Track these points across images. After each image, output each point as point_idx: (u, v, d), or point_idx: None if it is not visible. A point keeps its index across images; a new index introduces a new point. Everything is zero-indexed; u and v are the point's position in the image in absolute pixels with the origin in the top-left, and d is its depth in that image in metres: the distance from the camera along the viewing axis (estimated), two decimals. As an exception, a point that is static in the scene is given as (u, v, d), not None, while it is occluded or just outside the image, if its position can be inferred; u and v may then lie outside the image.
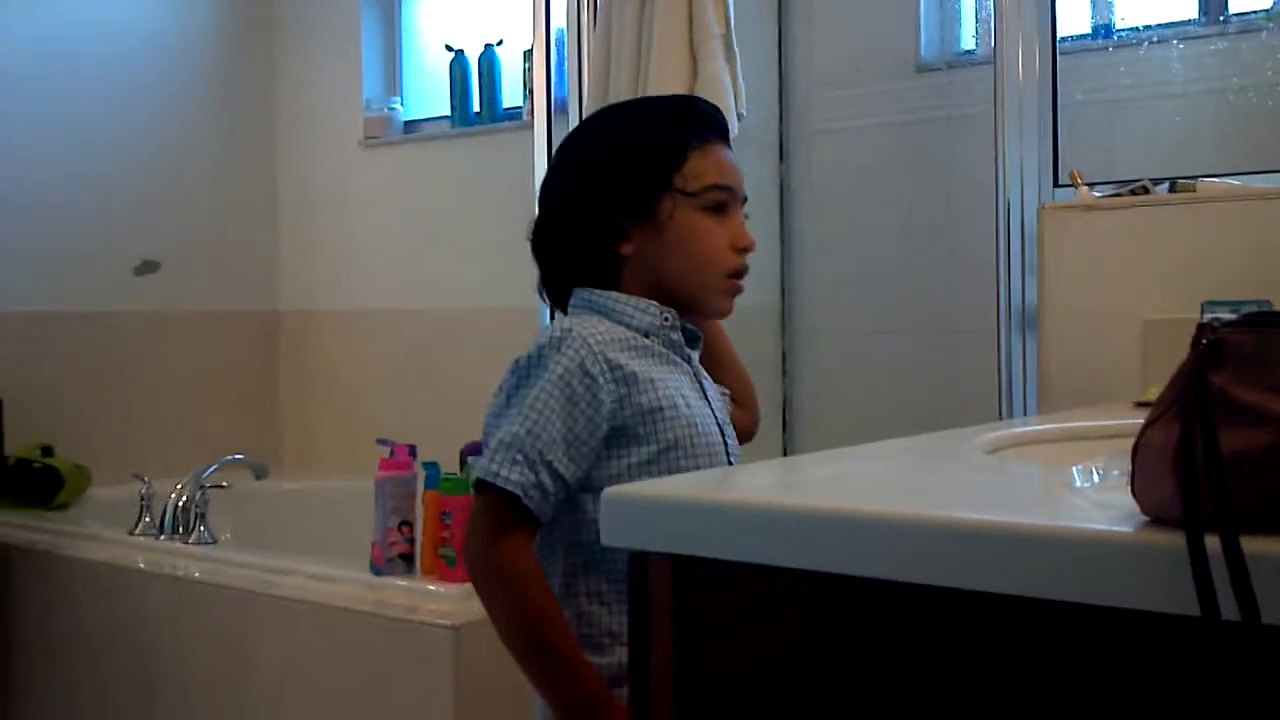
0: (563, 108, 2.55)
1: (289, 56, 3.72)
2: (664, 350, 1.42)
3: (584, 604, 1.36)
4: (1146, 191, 1.85)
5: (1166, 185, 1.87)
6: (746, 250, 1.46)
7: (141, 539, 2.70)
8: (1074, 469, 0.84)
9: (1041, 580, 0.71)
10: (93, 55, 3.34)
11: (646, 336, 1.41)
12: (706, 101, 1.56)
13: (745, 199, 1.49)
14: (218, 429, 3.45)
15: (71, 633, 2.64)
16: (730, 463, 1.43)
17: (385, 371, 3.44)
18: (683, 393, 1.39)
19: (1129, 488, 0.73)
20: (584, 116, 2.67)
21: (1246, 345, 0.69)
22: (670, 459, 1.34)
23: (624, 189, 1.42)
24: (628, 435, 1.34)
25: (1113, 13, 2.44)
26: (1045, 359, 1.87)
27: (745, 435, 1.58)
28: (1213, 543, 0.64)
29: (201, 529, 2.69)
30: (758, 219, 2.80)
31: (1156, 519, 0.70)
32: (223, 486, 2.79)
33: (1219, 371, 0.69)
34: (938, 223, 2.61)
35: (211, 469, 2.81)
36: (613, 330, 1.39)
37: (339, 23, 3.60)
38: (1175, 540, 0.65)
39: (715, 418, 1.43)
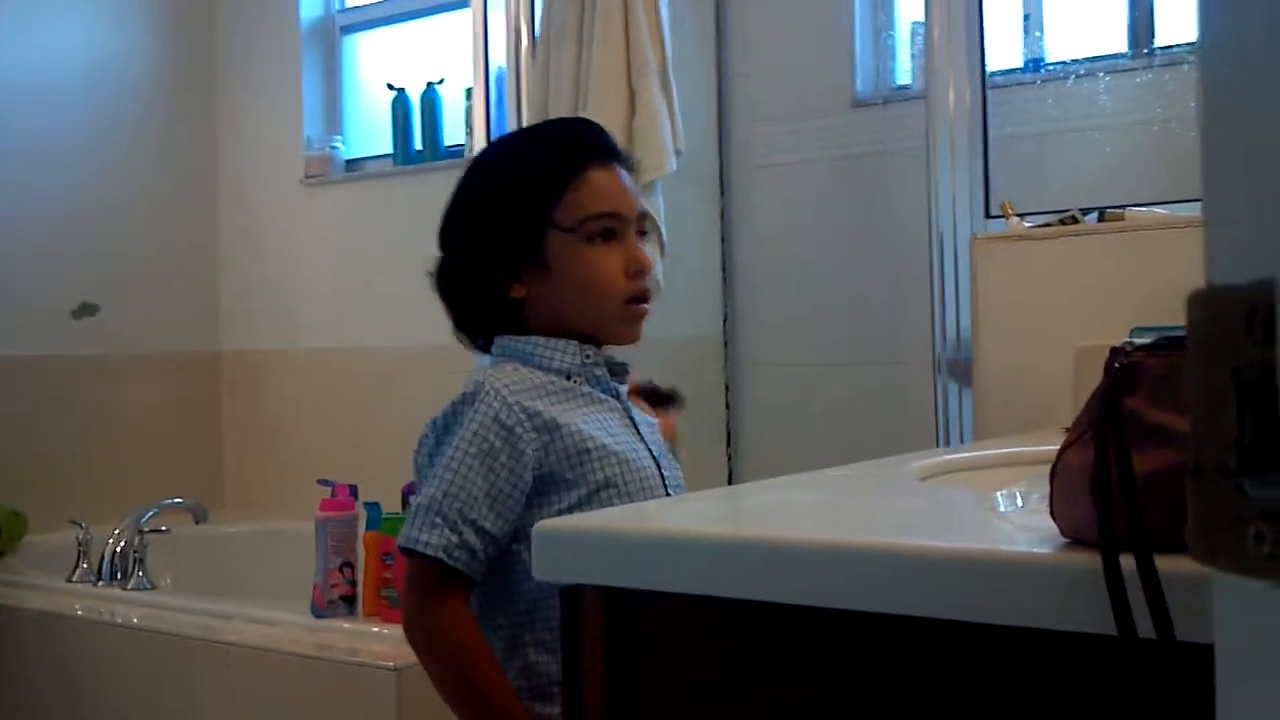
0: (502, 145, 2.56)
1: (229, 95, 3.70)
2: (588, 390, 1.40)
3: (531, 655, 1.35)
4: (1076, 221, 1.89)
5: (1095, 215, 1.90)
6: (641, 272, 1.41)
7: (79, 586, 2.65)
8: (998, 494, 0.85)
9: (965, 603, 0.72)
10: (28, 94, 3.30)
11: (569, 378, 1.39)
12: (584, 121, 1.53)
13: (642, 215, 1.45)
14: (158, 471, 3.41)
15: (10, 682, 2.59)
16: (668, 494, 1.41)
17: (327, 411, 3.42)
18: (610, 430, 1.38)
19: (1049, 510, 0.74)
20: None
21: (1158, 368, 0.70)
22: (602, 499, 1.33)
23: (505, 234, 1.40)
24: (556, 481, 1.33)
25: (1043, 47, 2.49)
26: (980, 387, 1.89)
27: None
28: (1128, 562, 0.65)
29: (140, 574, 2.65)
30: (699, 254, 2.84)
31: (1076, 540, 0.72)
32: (161, 531, 2.75)
33: (1133, 393, 0.70)
34: (876, 255, 2.64)
35: (150, 513, 2.77)
36: (530, 377, 1.37)
37: (280, 61, 3.59)
38: (1093, 561, 0.66)
39: (650, 450, 1.42)
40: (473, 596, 1.35)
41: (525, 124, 2.66)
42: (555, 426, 1.33)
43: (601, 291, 1.39)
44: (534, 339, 1.41)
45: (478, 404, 1.33)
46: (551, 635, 1.33)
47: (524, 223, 1.39)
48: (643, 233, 1.44)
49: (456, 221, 1.46)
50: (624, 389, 1.47)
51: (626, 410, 1.44)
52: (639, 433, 1.43)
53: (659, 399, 1.57)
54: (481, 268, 1.41)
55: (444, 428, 1.35)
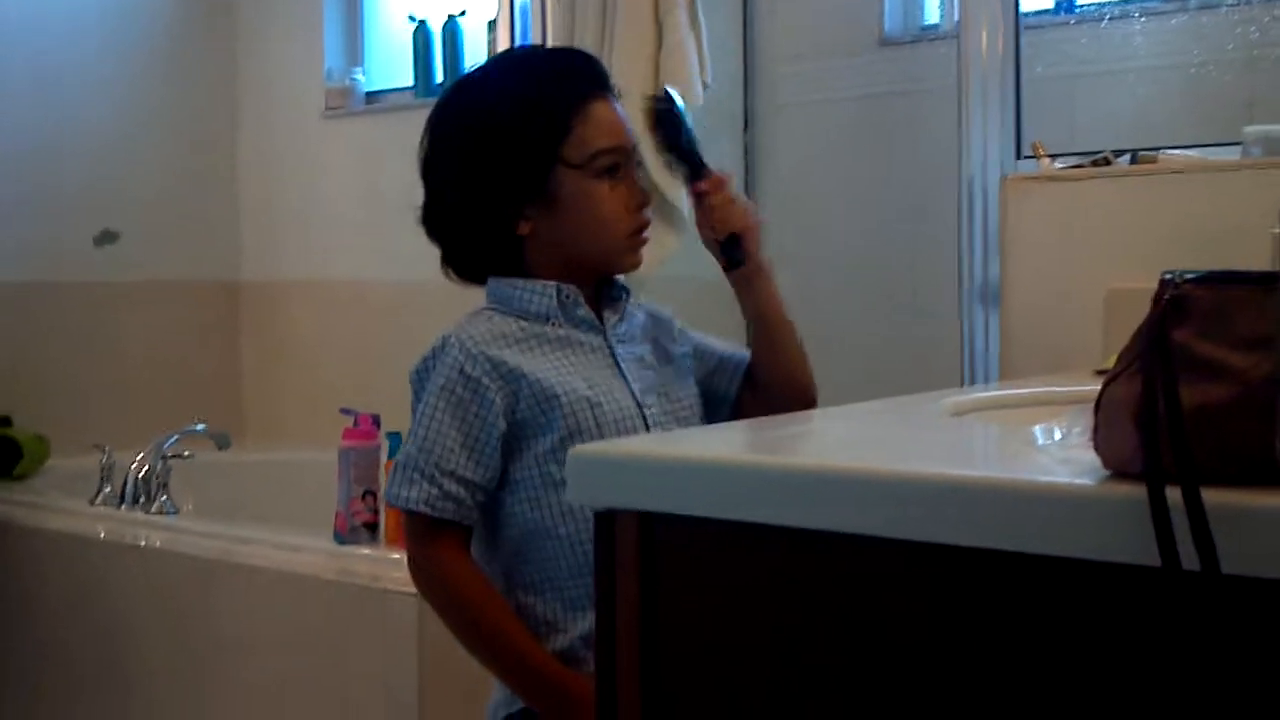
0: (527, 77, 2.54)
1: (250, 27, 3.67)
2: (565, 332, 1.39)
3: (520, 597, 1.38)
4: (1108, 163, 1.87)
5: (1128, 157, 1.89)
6: (644, 206, 1.42)
7: (102, 509, 2.68)
8: (1036, 428, 0.85)
9: (1005, 533, 0.72)
10: (52, 25, 3.28)
11: (548, 321, 1.38)
12: (580, 52, 1.51)
13: (634, 146, 1.44)
14: (179, 399, 3.42)
15: (32, 603, 2.62)
16: (650, 431, 1.38)
17: (348, 341, 3.43)
18: (585, 374, 1.36)
19: (1091, 443, 0.74)
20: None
21: (1207, 300, 0.70)
22: (575, 443, 1.32)
23: (512, 171, 1.37)
24: (529, 428, 1.34)
25: (1076, -12, 2.46)
26: (1008, 329, 1.89)
27: (794, 405, 1.44)
28: (1174, 495, 0.65)
29: (163, 499, 2.67)
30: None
31: (1119, 473, 0.71)
32: (184, 457, 2.77)
33: (1180, 326, 0.70)
34: (901, 195, 2.62)
35: (173, 439, 2.79)
36: (501, 325, 1.37)
37: (301, -8, 3.56)
38: (1137, 493, 0.66)
39: (631, 390, 1.39)
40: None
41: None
42: (520, 375, 1.33)
43: (610, 228, 1.39)
44: (516, 282, 1.40)
45: (442, 358, 1.36)
46: (538, 576, 1.36)
47: (532, 159, 1.36)
48: (639, 163, 1.46)
49: (450, 156, 1.41)
50: (616, 317, 1.43)
51: (612, 350, 1.41)
52: (621, 371, 1.40)
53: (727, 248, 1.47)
54: (484, 205, 1.38)
55: (418, 383, 1.38)
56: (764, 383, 1.47)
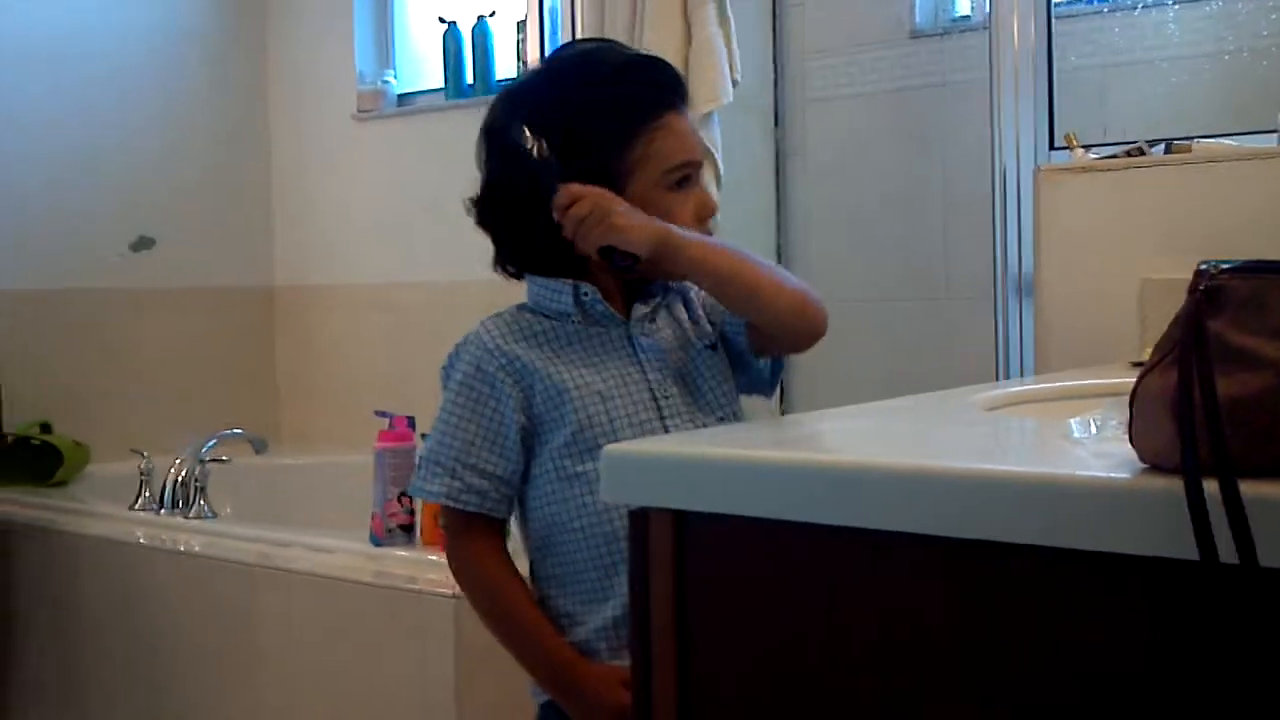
0: (557, 77, 2.54)
1: (281, 31, 3.70)
2: (586, 328, 1.37)
3: (544, 589, 1.39)
4: (1142, 153, 1.85)
5: (1162, 146, 1.87)
6: (709, 216, 1.40)
7: (141, 514, 2.70)
8: (1072, 421, 0.85)
9: (1040, 528, 0.71)
10: (87, 32, 3.32)
11: (569, 318, 1.37)
12: (665, 63, 1.45)
13: (703, 159, 1.42)
14: (215, 404, 3.45)
15: (71, 608, 2.65)
16: (665, 428, 1.34)
17: (382, 344, 3.44)
18: (601, 368, 1.34)
19: (1127, 436, 0.73)
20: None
21: (1243, 290, 0.69)
22: (585, 439, 1.32)
23: (588, 175, 1.32)
24: (545, 423, 1.34)
25: (1108, -23, 2.44)
26: (1042, 321, 1.87)
27: (804, 338, 1.37)
28: (1210, 487, 0.64)
29: (201, 503, 2.69)
30: (753, 186, 2.82)
31: (1155, 465, 0.71)
32: (222, 461, 2.79)
33: (1216, 316, 0.69)
34: (934, 188, 2.61)
35: (210, 443, 2.81)
36: (524, 321, 1.37)
37: (331, -4, 3.58)
38: (1173, 485, 0.66)
39: (649, 383, 1.36)
40: None
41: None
42: (534, 370, 1.33)
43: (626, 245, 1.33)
44: (540, 280, 1.39)
45: (463, 354, 1.37)
46: (559, 569, 1.36)
47: (607, 168, 1.33)
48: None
49: (515, 163, 1.35)
50: (646, 309, 1.39)
51: (632, 341, 1.38)
52: (640, 363, 1.37)
53: None
54: (538, 217, 1.33)
55: (445, 379, 1.39)
56: (754, 326, 1.38)
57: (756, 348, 1.39)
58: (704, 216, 1.39)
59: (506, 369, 1.34)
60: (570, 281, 1.36)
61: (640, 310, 1.39)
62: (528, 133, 1.32)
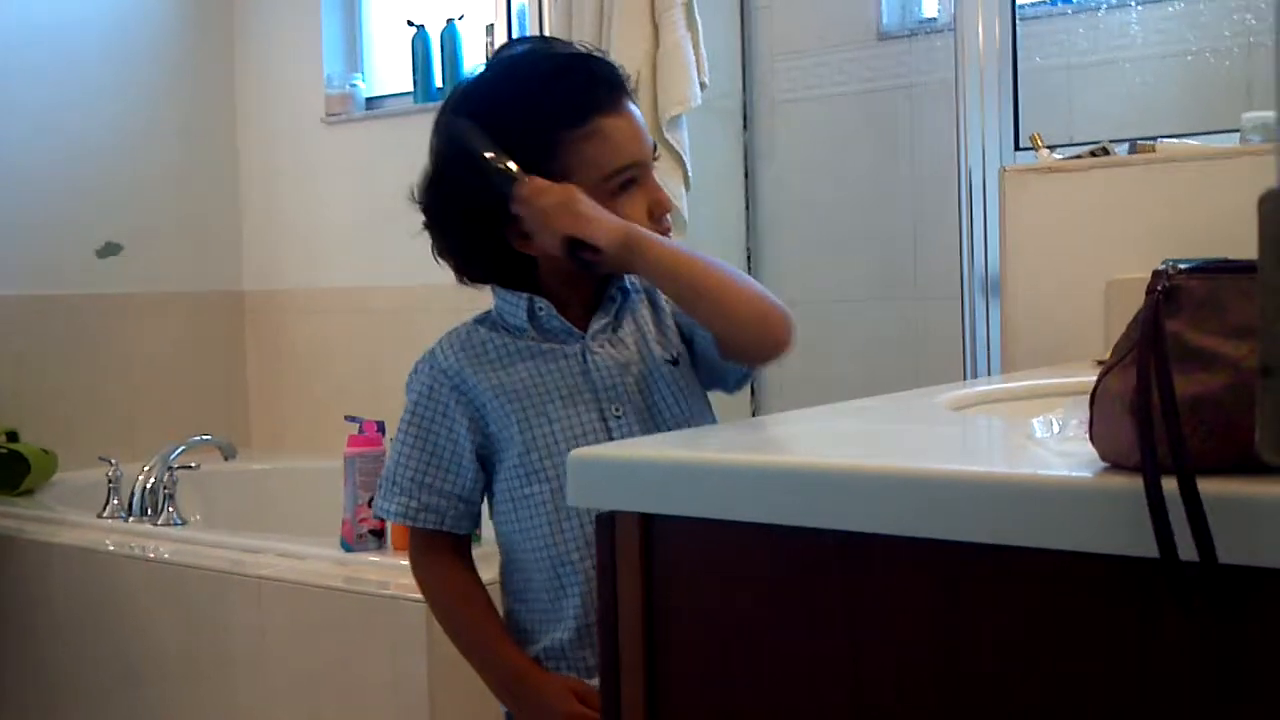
0: (525, 80, 2.54)
1: (249, 34, 3.68)
2: (540, 344, 1.34)
3: (509, 601, 1.39)
4: (1107, 153, 1.87)
5: (1126, 146, 1.89)
6: (665, 213, 1.34)
7: (110, 521, 2.69)
8: (1034, 421, 0.85)
9: (1002, 528, 0.72)
10: (50, 35, 3.30)
11: (524, 333, 1.34)
12: (598, 63, 1.36)
13: (652, 153, 1.35)
14: (184, 410, 3.43)
15: (41, 617, 2.63)
16: (611, 440, 1.30)
17: (351, 348, 3.43)
18: (551, 386, 1.32)
19: (1087, 436, 0.74)
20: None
21: (1200, 290, 0.70)
22: (531, 461, 1.31)
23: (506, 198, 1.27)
24: (498, 442, 1.34)
25: (1072, -22, 2.46)
26: (1008, 321, 1.89)
27: (766, 348, 1.31)
28: (1170, 486, 0.65)
29: (170, 510, 2.68)
30: (723, 188, 2.83)
31: (1115, 464, 0.71)
32: (191, 467, 2.78)
33: (1174, 317, 0.70)
34: (901, 189, 2.63)
35: (179, 450, 2.79)
36: (479, 338, 1.35)
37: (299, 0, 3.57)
38: (1133, 484, 0.66)
39: (599, 401, 1.32)
40: None
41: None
42: (483, 391, 1.32)
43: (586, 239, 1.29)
44: (500, 292, 1.36)
45: (418, 374, 1.37)
46: (520, 586, 1.37)
47: (547, 173, 1.27)
48: (656, 157, 1.36)
49: (453, 181, 1.31)
50: (603, 324, 1.35)
51: (587, 357, 1.34)
52: (593, 381, 1.33)
53: None
54: (496, 227, 1.30)
55: (407, 390, 1.39)
56: (715, 334, 1.34)
57: (723, 354, 1.34)
58: (658, 214, 1.34)
59: (458, 389, 1.33)
60: (526, 295, 1.34)
61: (600, 321, 1.35)
62: (473, 134, 1.29)
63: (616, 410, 1.32)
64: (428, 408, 1.35)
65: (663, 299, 1.41)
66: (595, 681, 1.27)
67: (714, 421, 1.38)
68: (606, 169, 1.29)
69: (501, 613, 1.40)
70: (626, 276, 1.39)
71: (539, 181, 1.26)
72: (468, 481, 1.35)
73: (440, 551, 1.38)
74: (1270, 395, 0.45)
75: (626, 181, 1.30)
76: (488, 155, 1.27)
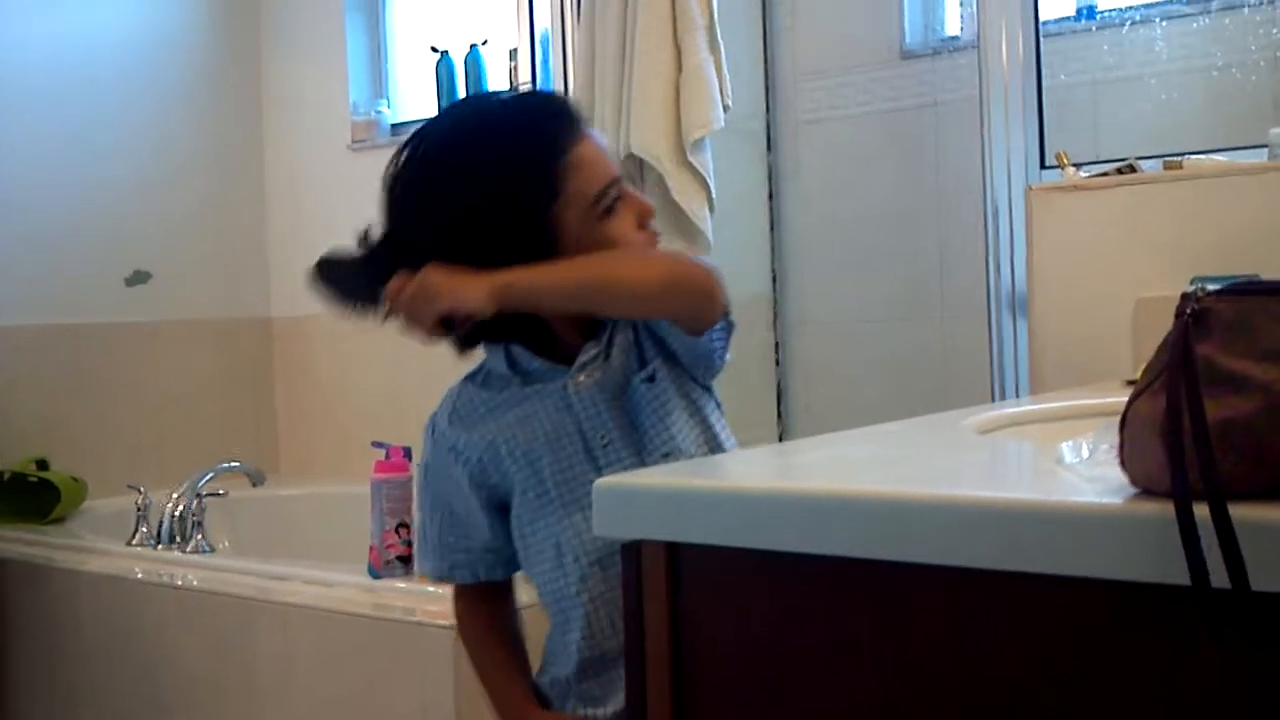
0: (548, 105, 2.54)
1: (275, 62, 3.71)
2: (524, 389, 1.33)
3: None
4: (1133, 170, 1.86)
5: (1153, 163, 1.87)
6: (648, 220, 1.33)
7: (139, 549, 2.69)
8: (1063, 445, 0.84)
9: (1031, 555, 0.71)
10: (78, 66, 3.32)
11: (508, 384, 1.34)
12: (547, 95, 1.40)
13: (621, 169, 1.37)
14: (213, 437, 3.45)
15: (70, 644, 2.64)
16: (600, 474, 1.20)
17: (378, 375, 3.44)
18: (537, 428, 1.31)
19: (1118, 460, 0.73)
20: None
21: (1229, 313, 0.69)
22: (527, 502, 1.33)
23: (513, 237, 1.25)
24: (502, 490, 1.36)
25: (1095, -6, 2.45)
26: (1036, 340, 1.87)
27: (696, 310, 1.28)
28: (1201, 511, 0.64)
29: (199, 537, 2.68)
30: (747, 210, 2.82)
31: (1146, 490, 0.70)
32: (219, 495, 2.78)
33: (1204, 340, 0.69)
34: (926, 208, 2.61)
35: (207, 477, 2.80)
36: (468, 397, 1.38)
37: (324, 27, 3.59)
38: (1164, 510, 0.65)
39: (583, 436, 1.30)
40: None
41: (572, 85, 2.64)
42: (476, 448, 1.35)
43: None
44: (485, 346, 1.35)
45: (426, 438, 1.42)
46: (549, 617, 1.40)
47: (534, 232, 1.26)
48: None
49: (439, 242, 1.26)
50: (591, 355, 1.32)
51: (566, 395, 1.31)
52: (575, 414, 1.31)
53: None
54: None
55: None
56: (652, 320, 1.32)
57: (686, 332, 1.31)
58: (644, 222, 1.32)
59: (454, 451, 1.37)
60: (502, 344, 1.33)
61: (590, 351, 1.31)
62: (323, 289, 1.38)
63: (603, 439, 1.30)
64: (435, 471, 1.41)
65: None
66: (599, 711, 1.32)
67: (701, 435, 1.33)
68: (590, 198, 1.27)
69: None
70: None
71: (392, 284, 1.25)
72: (485, 533, 1.39)
73: (478, 601, 1.45)
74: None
75: (612, 202, 1.29)
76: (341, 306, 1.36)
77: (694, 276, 1.27)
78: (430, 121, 1.37)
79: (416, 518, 1.47)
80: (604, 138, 1.37)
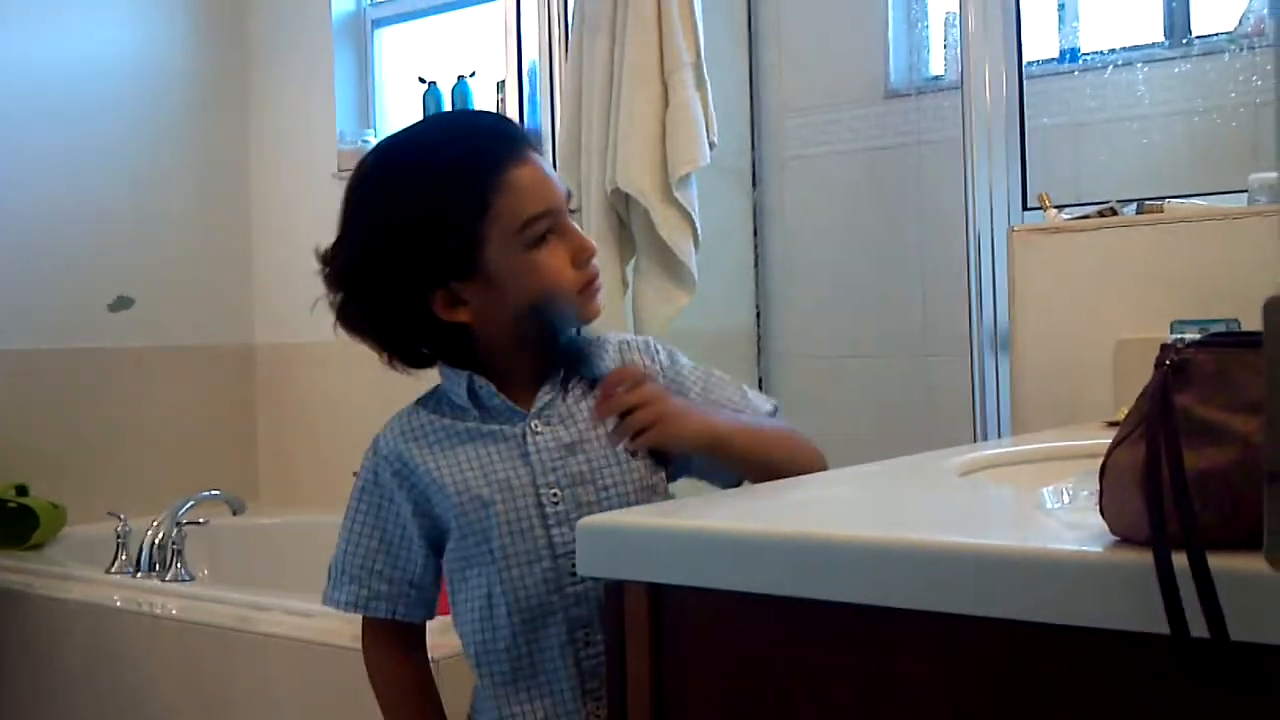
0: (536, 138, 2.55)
1: (262, 90, 3.72)
2: (481, 425, 1.31)
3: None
4: (1114, 213, 1.88)
5: (1134, 206, 1.89)
6: (588, 259, 1.29)
7: (118, 577, 2.68)
8: (1044, 490, 0.85)
9: (1013, 602, 0.72)
10: (65, 91, 3.33)
11: (466, 414, 1.32)
12: (485, 114, 1.35)
13: (568, 195, 1.31)
14: (194, 465, 3.43)
15: (46, 671, 2.62)
16: (549, 538, 1.26)
17: (362, 404, 3.42)
18: (489, 470, 1.28)
19: (1098, 508, 0.74)
20: (553, 148, 2.68)
21: (1209, 364, 0.70)
22: (466, 547, 1.29)
23: (436, 260, 1.25)
24: (441, 525, 1.31)
25: (1078, 37, 2.47)
26: (1018, 379, 1.89)
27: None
28: (1180, 561, 0.65)
29: (178, 566, 2.67)
30: (732, 246, 2.84)
31: (1126, 538, 0.71)
32: (199, 523, 2.77)
33: (1183, 391, 0.70)
34: (909, 246, 2.63)
35: (188, 505, 2.79)
36: (422, 421, 1.33)
37: (312, 56, 3.60)
38: (1144, 559, 0.66)
39: (537, 489, 1.28)
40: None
41: (559, 118, 2.66)
42: (425, 476, 1.30)
43: (555, 294, 1.27)
44: (445, 370, 1.34)
45: (367, 459, 1.36)
46: (473, 665, 1.34)
47: (457, 246, 1.24)
48: (572, 211, 1.32)
49: (368, 253, 1.28)
50: (547, 400, 1.31)
51: (525, 438, 1.30)
52: (530, 464, 1.29)
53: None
54: (414, 298, 1.28)
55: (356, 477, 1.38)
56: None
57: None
58: (582, 260, 1.29)
59: (400, 474, 1.31)
60: (467, 373, 1.31)
61: (545, 395, 1.31)
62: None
63: (554, 495, 1.27)
64: (373, 494, 1.33)
65: (648, 360, 1.37)
66: None
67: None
68: (518, 221, 1.24)
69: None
70: (609, 339, 1.37)
71: (620, 373, 1.25)
72: (417, 567, 1.33)
73: (391, 642, 1.37)
74: (1275, 501, 0.45)
75: (544, 232, 1.26)
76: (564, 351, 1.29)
77: (815, 468, 1.29)
78: (390, 135, 1.38)
79: (339, 543, 1.36)
80: (551, 168, 1.32)
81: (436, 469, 1.29)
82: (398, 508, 1.32)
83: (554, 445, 1.29)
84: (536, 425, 1.29)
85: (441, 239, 1.24)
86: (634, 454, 1.29)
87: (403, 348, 1.34)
